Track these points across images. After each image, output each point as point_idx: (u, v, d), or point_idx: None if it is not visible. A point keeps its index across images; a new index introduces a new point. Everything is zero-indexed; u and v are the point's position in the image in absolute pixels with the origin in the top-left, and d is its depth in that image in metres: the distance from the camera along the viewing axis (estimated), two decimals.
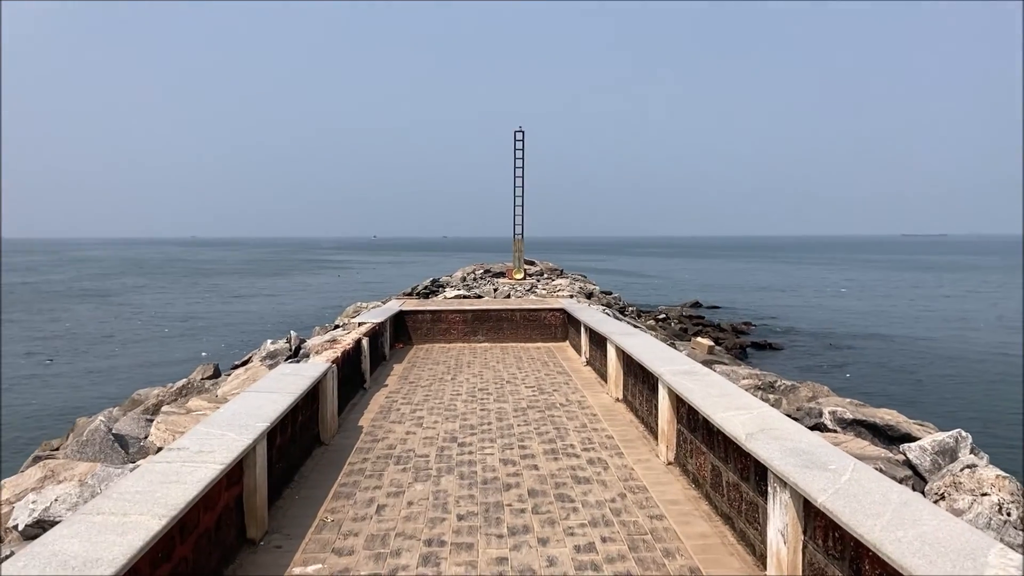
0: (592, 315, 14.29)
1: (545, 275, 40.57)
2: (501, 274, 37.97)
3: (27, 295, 66.54)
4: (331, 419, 8.58)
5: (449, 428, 8.99)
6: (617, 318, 21.63)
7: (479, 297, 26.29)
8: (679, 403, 7.40)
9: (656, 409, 8.17)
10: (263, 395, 6.98)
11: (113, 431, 10.49)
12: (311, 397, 8.06)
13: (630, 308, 39.51)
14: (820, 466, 4.60)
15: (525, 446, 8.18)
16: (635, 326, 22.67)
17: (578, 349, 14.50)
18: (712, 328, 41.48)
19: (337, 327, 22.61)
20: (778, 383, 13.49)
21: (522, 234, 33.66)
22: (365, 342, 11.54)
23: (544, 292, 28.54)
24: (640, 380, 9.16)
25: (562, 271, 46.17)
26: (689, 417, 7.05)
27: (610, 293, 40.41)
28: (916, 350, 33.81)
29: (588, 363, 13.35)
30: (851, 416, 11.14)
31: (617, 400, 10.39)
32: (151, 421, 10.92)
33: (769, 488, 4.89)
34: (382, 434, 8.78)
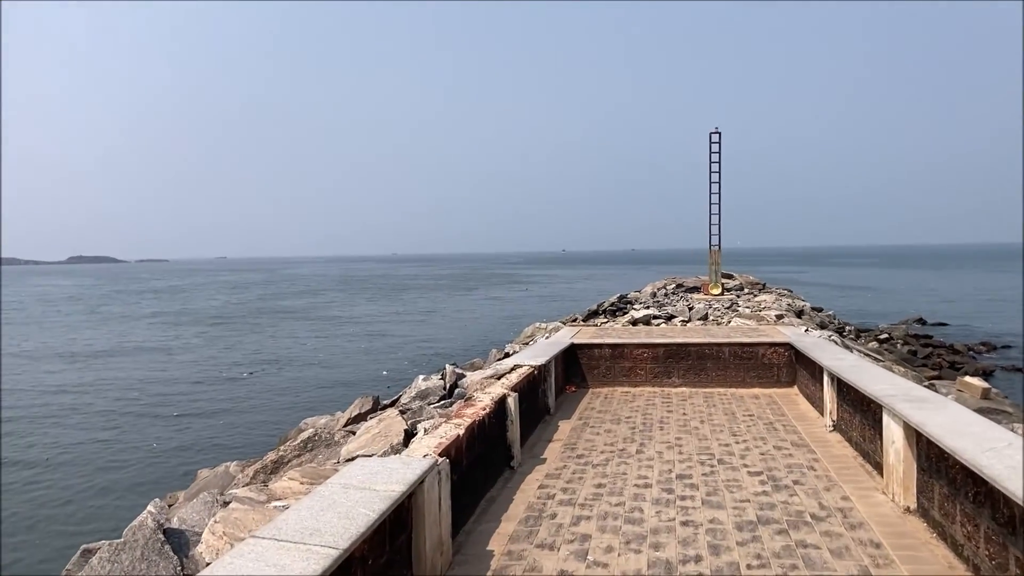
0: (836, 356, 10.09)
1: (746, 290, 35.83)
2: (696, 289, 33.81)
3: (245, 311, 71.02)
4: (435, 549, 5.27)
5: (631, 569, 5.41)
6: (847, 347, 17.09)
7: (671, 318, 22.40)
8: None
9: None
10: (273, 551, 3.77)
11: (171, 525, 7.80)
12: (395, 524, 4.81)
13: (847, 328, 34.07)
14: None
15: None
16: (872, 357, 17.96)
17: (814, 402, 10.40)
18: (945, 350, 35.32)
19: (507, 355, 19.64)
20: None
21: (719, 244, 29.44)
22: (512, 401, 8.15)
23: (747, 310, 24.18)
24: (964, 495, 5.12)
25: (764, 285, 41.07)
26: None
27: (821, 310, 35.05)
28: None
29: (836, 428, 9.24)
30: None
31: (908, 511, 6.34)
32: (228, 504, 8.20)
33: None
34: (520, 574, 5.37)
